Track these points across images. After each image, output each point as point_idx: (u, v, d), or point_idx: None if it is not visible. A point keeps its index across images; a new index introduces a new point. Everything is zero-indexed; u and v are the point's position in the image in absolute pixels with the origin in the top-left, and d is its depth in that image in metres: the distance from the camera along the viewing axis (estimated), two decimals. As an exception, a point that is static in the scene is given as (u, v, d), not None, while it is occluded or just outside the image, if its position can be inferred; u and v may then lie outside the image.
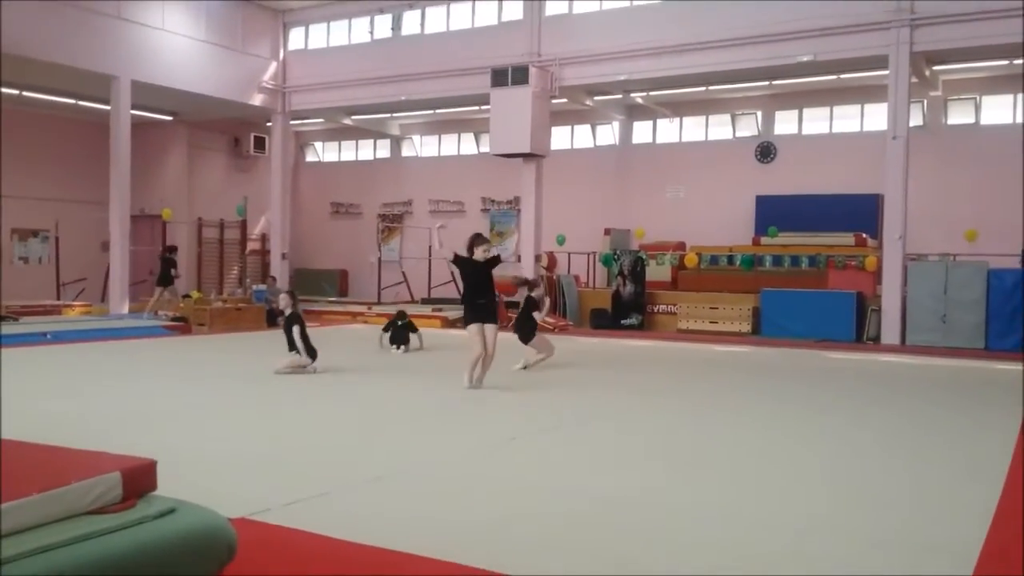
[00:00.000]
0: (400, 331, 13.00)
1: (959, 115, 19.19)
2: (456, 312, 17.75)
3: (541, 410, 8.10)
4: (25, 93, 20.68)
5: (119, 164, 18.89)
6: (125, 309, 18.98)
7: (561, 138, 22.91)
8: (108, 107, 19.25)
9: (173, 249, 18.72)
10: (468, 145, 25.25)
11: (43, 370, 10.58)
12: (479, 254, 9.07)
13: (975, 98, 18.94)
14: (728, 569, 3.84)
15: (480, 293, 9.09)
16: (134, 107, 19.48)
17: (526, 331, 10.91)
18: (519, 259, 20.54)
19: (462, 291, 9.37)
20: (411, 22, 21.64)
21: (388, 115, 24.49)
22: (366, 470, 5.51)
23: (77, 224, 21.80)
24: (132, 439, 6.04)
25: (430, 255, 23.02)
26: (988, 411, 8.38)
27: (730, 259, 18.40)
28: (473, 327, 9.04)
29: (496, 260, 9.25)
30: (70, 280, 21.21)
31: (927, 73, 17.38)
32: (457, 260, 9.23)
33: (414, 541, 4.02)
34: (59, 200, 22.42)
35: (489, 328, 9.05)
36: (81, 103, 21.71)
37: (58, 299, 20.38)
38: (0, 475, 2.83)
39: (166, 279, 17.90)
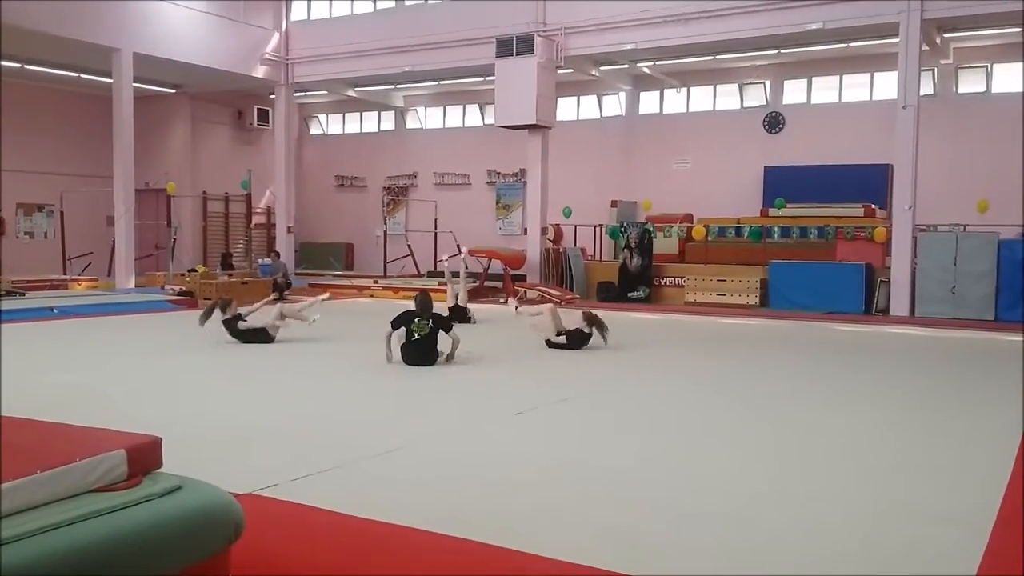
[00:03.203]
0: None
1: (970, 83, 18.95)
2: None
3: (546, 384, 8.07)
4: (27, 66, 20.54)
5: (122, 137, 18.80)
6: (131, 283, 18.98)
7: (567, 109, 22.73)
8: (110, 80, 19.12)
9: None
10: (473, 117, 25.07)
11: (49, 345, 10.57)
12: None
13: (986, 66, 18.69)
14: (732, 538, 3.82)
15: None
16: (136, 80, 19.32)
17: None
18: (525, 232, 20.45)
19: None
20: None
21: (392, 86, 24.31)
22: (372, 444, 5.49)
23: (82, 198, 21.72)
24: (137, 415, 6.03)
25: (435, 228, 22.93)
26: (997, 383, 8.32)
27: (738, 231, 18.29)
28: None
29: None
30: (76, 255, 21.18)
31: (938, 41, 17.14)
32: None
33: (421, 515, 3.99)
34: (63, 174, 22.34)
35: None
36: (83, 76, 21.57)
37: (64, 274, 20.38)
38: (0, 453, 2.79)
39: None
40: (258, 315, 11.01)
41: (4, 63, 19.79)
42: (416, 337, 8.75)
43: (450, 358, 9.01)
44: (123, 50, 18.61)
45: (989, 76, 18.71)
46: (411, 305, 9.28)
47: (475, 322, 13.26)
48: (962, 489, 4.66)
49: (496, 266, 19.57)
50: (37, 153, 22.39)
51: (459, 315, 12.72)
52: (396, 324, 8.90)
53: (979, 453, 5.50)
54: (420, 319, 8.78)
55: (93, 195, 21.36)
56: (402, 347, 8.89)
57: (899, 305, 15.52)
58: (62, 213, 21.32)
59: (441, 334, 8.93)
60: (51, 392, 7.14)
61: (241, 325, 10.58)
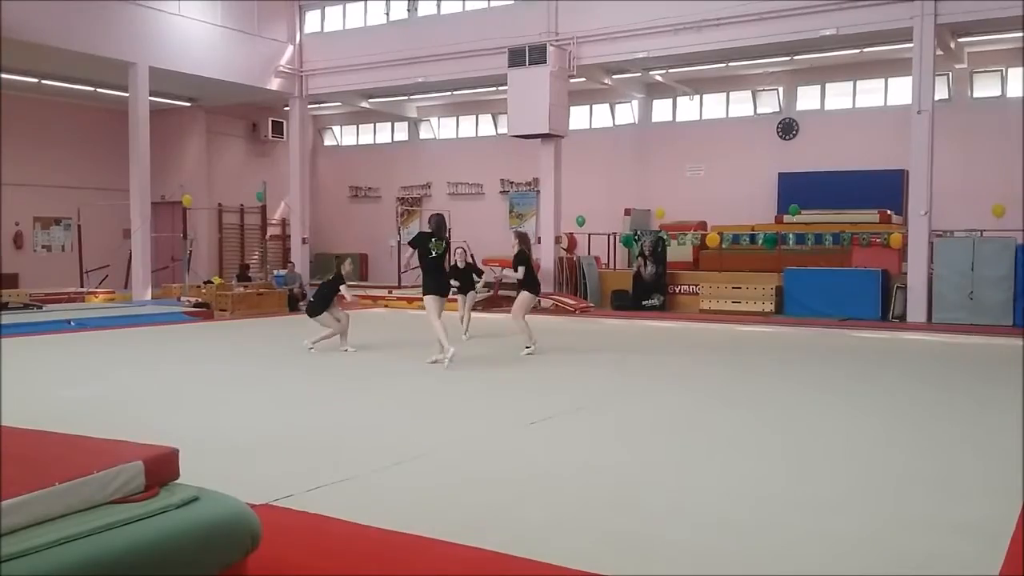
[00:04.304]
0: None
1: (985, 88, 18.85)
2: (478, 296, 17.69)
3: (560, 393, 8.06)
4: (44, 81, 20.75)
5: (138, 151, 18.95)
6: (148, 295, 19.09)
7: (579, 118, 22.74)
8: (127, 94, 19.29)
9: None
10: (486, 127, 25.13)
11: (67, 358, 10.65)
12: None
13: (1001, 70, 18.58)
14: (747, 546, 3.80)
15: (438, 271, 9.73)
16: (152, 93, 19.48)
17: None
18: (539, 241, 20.45)
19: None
20: (427, 3, 21.52)
21: (405, 97, 24.40)
22: (387, 455, 5.49)
23: (99, 211, 21.88)
24: (155, 426, 6.06)
25: (449, 237, 22.92)
26: (1016, 390, 8.22)
27: (752, 238, 18.22)
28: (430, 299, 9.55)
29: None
30: (93, 267, 21.34)
31: (952, 45, 17.05)
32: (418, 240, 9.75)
33: (436, 525, 3.99)
34: (80, 188, 22.52)
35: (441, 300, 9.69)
36: (100, 90, 21.76)
37: (81, 286, 20.52)
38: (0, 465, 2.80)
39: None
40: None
41: (22, 79, 20.04)
42: (434, 255, 9.51)
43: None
44: (139, 64, 18.78)
45: (1004, 80, 18.60)
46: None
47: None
48: (979, 499, 4.61)
49: (510, 275, 19.53)
50: (54, 167, 22.60)
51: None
52: (413, 243, 9.76)
53: (995, 462, 5.43)
54: (436, 239, 9.57)
55: (110, 208, 21.53)
56: (424, 277, 9.64)
57: (916, 311, 15.41)
58: (79, 226, 21.50)
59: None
60: (69, 404, 7.19)
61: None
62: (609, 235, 21.11)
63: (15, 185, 21.56)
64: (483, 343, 11.90)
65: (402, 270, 22.30)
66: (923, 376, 9.33)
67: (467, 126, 25.65)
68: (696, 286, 18.17)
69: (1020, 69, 18.34)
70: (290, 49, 22.57)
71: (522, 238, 11.40)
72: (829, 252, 17.22)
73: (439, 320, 9.47)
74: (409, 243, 9.91)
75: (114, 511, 2.77)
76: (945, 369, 10.01)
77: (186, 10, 19.85)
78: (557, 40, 18.78)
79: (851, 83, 20.20)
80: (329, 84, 22.60)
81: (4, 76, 19.04)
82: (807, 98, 20.84)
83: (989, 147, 18.27)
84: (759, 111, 21.27)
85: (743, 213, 20.01)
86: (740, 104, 21.57)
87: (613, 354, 11.17)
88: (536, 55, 18.39)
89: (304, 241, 22.98)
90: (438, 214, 10.07)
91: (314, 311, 11.00)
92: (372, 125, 27.37)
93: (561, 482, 4.89)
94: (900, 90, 18.78)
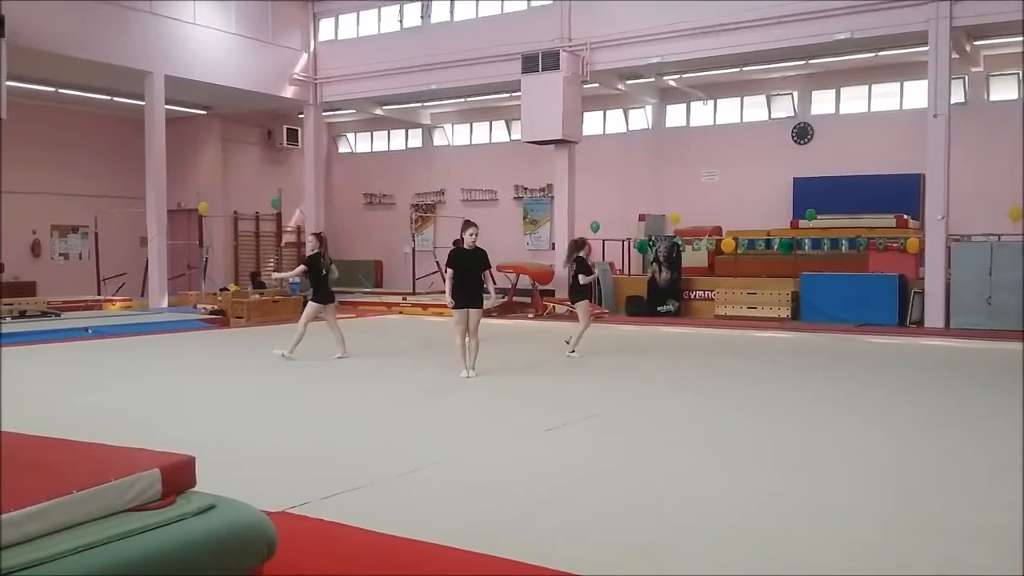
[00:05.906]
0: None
1: (1002, 91, 18.70)
2: (489, 302, 17.68)
3: (575, 400, 8.04)
4: (61, 90, 20.93)
5: (154, 159, 19.08)
6: (164, 303, 19.19)
7: (593, 123, 22.73)
8: (143, 102, 19.44)
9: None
10: (500, 133, 25.15)
11: (84, 365, 10.71)
12: (468, 241, 9.44)
13: (1018, 73, 18.44)
14: (764, 555, 3.77)
15: (469, 278, 9.41)
16: (168, 102, 19.63)
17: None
18: (553, 247, 20.45)
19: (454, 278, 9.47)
20: (440, 10, 21.60)
21: (419, 104, 24.46)
22: (403, 462, 5.49)
23: (116, 219, 22.05)
24: (171, 434, 6.08)
25: (463, 244, 22.93)
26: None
27: (768, 243, 18.13)
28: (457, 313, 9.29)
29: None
30: (110, 275, 21.48)
31: (968, 48, 16.95)
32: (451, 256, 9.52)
33: (452, 532, 3.98)
34: (97, 196, 22.71)
35: (473, 312, 9.33)
36: (116, 99, 21.93)
37: (99, 294, 20.64)
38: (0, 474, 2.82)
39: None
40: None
41: (39, 87, 20.23)
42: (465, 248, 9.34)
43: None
44: (155, 73, 18.92)
45: (1021, 83, 18.46)
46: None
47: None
48: (993, 504, 4.57)
49: (525, 282, 19.57)
50: (71, 175, 22.80)
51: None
52: (449, 262, 9.49)
53: (1012, 467, 5.36)
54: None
55: (126, 216, 21.69)
56: (454, 288, 9.35)
57: (934, 316, 15.30)
58: (96, 234, 21.65)
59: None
60: (86, 412, 7.23)
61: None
62: (623, 241, 21.08)
63: (32, 193, 21.74)
64: (493, 347, 11.88)
65: (416, 277, 22.31)
66: (938, 381, 9.25)
67: (481, 132, 25.69)
68: (711, 292, 18.11)
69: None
70: (304, 57, 22.68)
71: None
72: (845, 257, 17.13)
73: (462, 335, 9.29)
74: (447, 265, 9.70)
75: (131, 519, 2.78)
76: (961, 375, 9.93)
77: (201, 19, 19.98)
78: (570, 46, 18.80)
79: (866, 87, 20.09)
80: (343, 91, 22.70)
81: (22, 85, 19.20)
82: (822, 102, 20.74)
83: (1006, 151, 18.10)
84: (774, 116, 21.20)
85: (758, 218, 19.94)
86: (755, 109, 21.50)
87: (627, 360, 11.14)
88: (549, 61, 18.41)
89: (319, 248, 23.00)
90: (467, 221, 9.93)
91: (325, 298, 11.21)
92: (386, 132, 27.46)
93: (575, 490, 4.87)
94: (916, 94, 18.67)
